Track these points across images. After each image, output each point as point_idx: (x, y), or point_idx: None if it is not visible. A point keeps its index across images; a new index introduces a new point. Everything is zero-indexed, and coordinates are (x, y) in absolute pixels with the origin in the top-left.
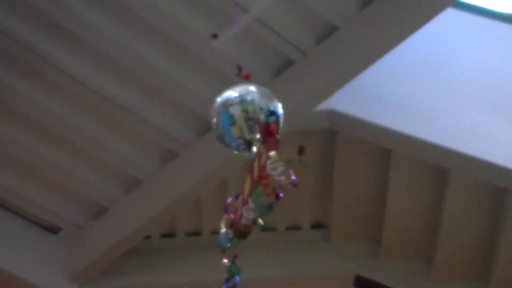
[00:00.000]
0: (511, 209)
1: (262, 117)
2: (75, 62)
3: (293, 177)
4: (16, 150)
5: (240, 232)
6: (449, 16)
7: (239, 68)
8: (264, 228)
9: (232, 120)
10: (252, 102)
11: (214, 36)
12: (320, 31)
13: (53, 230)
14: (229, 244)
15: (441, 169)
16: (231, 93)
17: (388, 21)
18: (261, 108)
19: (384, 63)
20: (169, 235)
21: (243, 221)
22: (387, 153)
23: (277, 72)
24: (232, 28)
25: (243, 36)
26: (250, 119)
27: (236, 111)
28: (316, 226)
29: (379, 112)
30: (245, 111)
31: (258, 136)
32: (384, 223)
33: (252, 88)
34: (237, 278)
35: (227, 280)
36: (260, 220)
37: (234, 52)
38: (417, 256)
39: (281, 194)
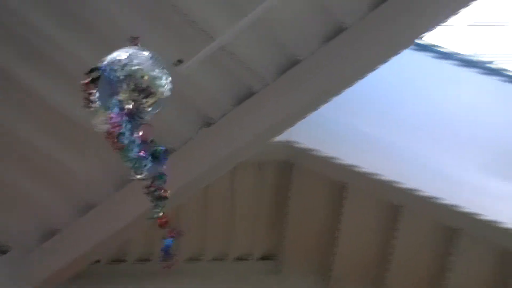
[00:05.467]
0: (461, 247)
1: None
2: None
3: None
4: None
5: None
6: (408, 56)
7: (134, 39)
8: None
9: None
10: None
11: (179, 61)
12: (283, 62)
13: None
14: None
15: (394, 205)
16: (122, 55)
17: (350, 57)
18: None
19: (344, 98)
20: (119, 260)
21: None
22: (342, 187)
23: (238, 101)
24: (197, 55)
25: (207, 63)
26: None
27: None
28: (267, 257)
29: (336, 146)
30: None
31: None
32: (336, 256)
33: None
34: (169, 242)
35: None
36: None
37: (197, 78)
38: None
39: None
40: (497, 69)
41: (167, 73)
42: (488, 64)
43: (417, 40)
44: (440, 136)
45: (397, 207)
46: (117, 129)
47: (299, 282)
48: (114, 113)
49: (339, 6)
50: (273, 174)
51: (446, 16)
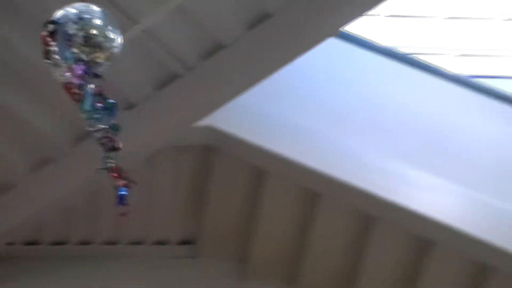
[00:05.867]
0: (378, 236)
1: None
2: None
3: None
4: None
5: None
6: (333, 46)
7: None
8: None
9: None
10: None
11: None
12: (207, 48)
13: None
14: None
15: (313, 192)
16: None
17: (274, 45)
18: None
19: (269, 85)
20: (34, 243)
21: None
22: (263, 173)
23: (160, 85)
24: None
25: (129, 46)
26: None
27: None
28: (185, 242)
29: (258, 132)
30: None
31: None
32: (254, 243)
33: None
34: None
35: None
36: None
37: (118, 60)
38: (285, 277)
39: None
40: (417, 60)
41: (119, 30)
42: (408, 55)
43: (341, 29)
44: (362, 125)
45: (316, 194)
46: (78, 80)
47: (216, 267)
48: (74, 65)
49: None
50: (193, 158)
51: (372, 5)
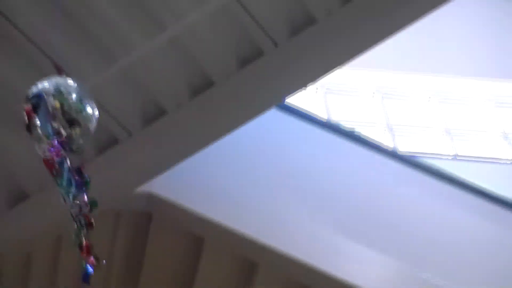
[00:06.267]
0: None
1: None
2: None
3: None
4: None
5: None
6: (273, 116)
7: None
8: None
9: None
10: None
11: None
12: (150, 113)
13: None
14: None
15: (249, 259)
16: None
17: (216, 112)
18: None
19: (208, 152)
20: None
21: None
22: (199, 240)
23: (101, 149)
24: None
25: None
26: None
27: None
28: None
29: (195, 199)
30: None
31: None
32: None
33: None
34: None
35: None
36: None
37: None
38: None
39: None
40: (354, 134)
41: (94, 104)
42: (343, 128)
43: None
44: (298, 194)
45: (252, 263)
46: (58, 157)
47: None
48: (54, 141)
49: (209, 61)
50: (131, 224)
51: (314, 78)
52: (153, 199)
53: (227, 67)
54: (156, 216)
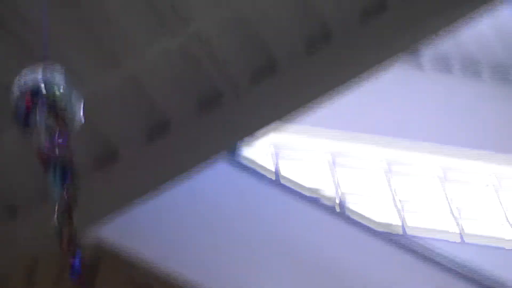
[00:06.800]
0: None
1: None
2: None
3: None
4: None
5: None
6: (235, 176)
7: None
8: None
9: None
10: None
11: None
12: (101, 157)
13: None
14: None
15: None
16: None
17: (170, 158)
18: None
19: (166, 207)
20: None
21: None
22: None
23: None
24: None
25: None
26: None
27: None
28: None
29: (144, 247)
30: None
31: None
32: None
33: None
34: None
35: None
36: None
37: None
38: None
39: None
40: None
41: (81, 98)
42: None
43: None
44: (258, 256)
45: None
46: (52, 152)
47: None
48: (48, 134)
49: (167, 105)
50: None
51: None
52: (99, 245)
53: (187, 111)
54: (102, 262)
